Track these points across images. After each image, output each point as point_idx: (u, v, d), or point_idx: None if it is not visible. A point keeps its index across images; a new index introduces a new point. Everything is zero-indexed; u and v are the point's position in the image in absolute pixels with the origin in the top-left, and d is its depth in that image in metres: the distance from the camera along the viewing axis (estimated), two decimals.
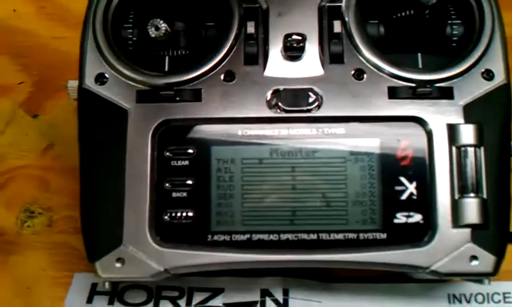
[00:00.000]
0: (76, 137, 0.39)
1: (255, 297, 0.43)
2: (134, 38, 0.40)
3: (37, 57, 0.53)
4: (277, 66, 0.39)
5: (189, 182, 0.37)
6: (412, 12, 0.39)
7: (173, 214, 0.37)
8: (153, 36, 0.39)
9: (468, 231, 0.36)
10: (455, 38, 0.40)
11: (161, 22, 0.39)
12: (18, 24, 0.55)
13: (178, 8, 0.40)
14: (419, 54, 0.39)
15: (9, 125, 0.51)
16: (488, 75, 0.38)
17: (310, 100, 0.38)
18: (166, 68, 0.40)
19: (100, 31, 0.39)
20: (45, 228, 0.47)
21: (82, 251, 0.38)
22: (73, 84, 0.48)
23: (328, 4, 0.40)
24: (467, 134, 0.37)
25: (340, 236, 0.37)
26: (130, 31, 0.41)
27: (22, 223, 0.47)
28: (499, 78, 0.38)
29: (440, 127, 0.37)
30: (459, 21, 0.40)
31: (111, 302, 0.43)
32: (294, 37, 0.38)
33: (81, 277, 0.44)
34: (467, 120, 0.37)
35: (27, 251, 0.46)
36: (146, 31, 0.39)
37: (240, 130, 0.38)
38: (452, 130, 0.37)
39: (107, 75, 0.39)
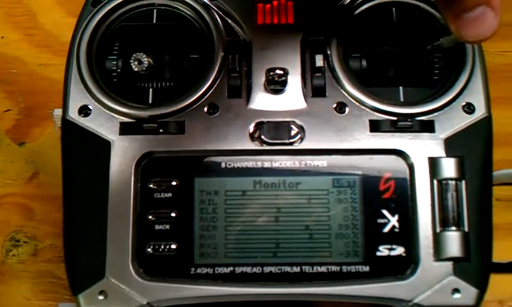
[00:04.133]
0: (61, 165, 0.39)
1: None
2: (118, 70, 0.40)
3: (24, 84, 0.53)
4: (260, 99, 0.39)
5: (173, 214, 0.37)
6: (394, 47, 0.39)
7: (156, 247, 0.37)
8: (136, 69, 0.39)
9: (450, 264, 0.36)
10: (436, 72, 0.40)
11: (144, 55, 0.39)
12: (5, 51, 0.55)
13: (162, 40, 0.41)
14: (401, 88, 0.39)
15: None
16: (469, 108, 0.38)
17: (293, 132, 0.38)
18: (150, 100, 0.40)
19: (84, 63, 0.39)
20: (30, 256, 0.47)
21: (67, 280, 0.38)
22: (59, 112, 0.48)
23: (310, 38, 0.40)
24: (448, 168, 0.37)
25: (323, 268, 0.37)
26: (114, 62, 0.40)
27: (7, 252, 0.47)
28: (480, 112, 0.38)
29: (421, 160, 0.37)
30: (440, 54, 0.40)
31: None
32: (277, 71, 0.39)
33: None
34: (448, 153, 0.37)
35: (12, 280, 0.46)
36: (129, 63, 0.39)
37: (223, 162, 0.38)
38: (434, 163, 0.37)
39: (90, 107, 0.39)
